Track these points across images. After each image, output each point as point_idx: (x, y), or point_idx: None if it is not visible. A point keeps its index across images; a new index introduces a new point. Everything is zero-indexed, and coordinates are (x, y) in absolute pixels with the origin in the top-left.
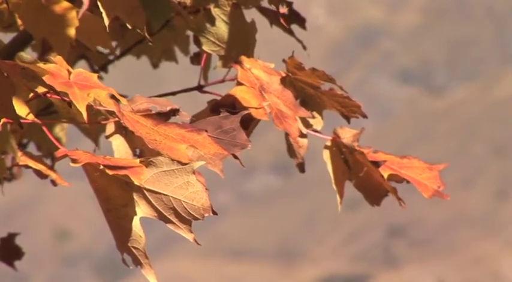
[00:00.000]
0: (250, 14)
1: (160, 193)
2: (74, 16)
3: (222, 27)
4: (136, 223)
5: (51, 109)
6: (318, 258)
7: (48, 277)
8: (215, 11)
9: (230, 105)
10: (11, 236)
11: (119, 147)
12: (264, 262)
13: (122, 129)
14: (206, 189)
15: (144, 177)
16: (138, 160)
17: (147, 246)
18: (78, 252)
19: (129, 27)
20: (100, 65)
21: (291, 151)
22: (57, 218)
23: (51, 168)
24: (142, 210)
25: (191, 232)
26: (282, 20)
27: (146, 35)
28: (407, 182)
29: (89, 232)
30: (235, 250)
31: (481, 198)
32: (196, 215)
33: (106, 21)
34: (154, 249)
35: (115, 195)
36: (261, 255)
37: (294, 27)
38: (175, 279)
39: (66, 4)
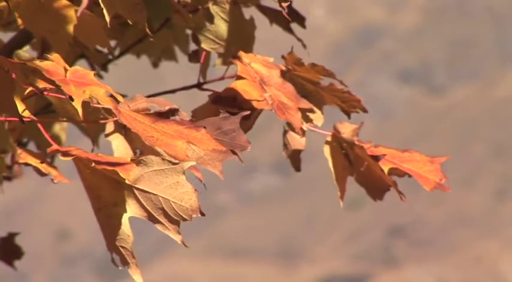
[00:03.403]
0: (250, 13)
1: (150, 192)
2: (72, 14)
3: (220, 25)
4: (125, 222)
5: (50, 108)
6: (318, 257)
7: (48, 276)
8: (213, 9)
9: (231, 97)
10: (11, 236)
11: (119, 147)
12: (265, 262)
13: (121, 129)
14: (195, 190)
15: (133, 174)
16: (129, 158)
17: (149, 245)
18: (78, 251)
19: (131, 23)
20: (100, 64)
21: (287, 150)
22: (57, 218)
23: (51, 165)
24: (132, 209)
25: (179, 233)
26: (284, 13)
27: (148, 31)
28: (409, 175)
29: (89, 232)
30: (235, 250)
31: (481, 198)
32: (184, 216)
33: (107, 18)
34: (154, 249)
35: (106, 194)
36: (261, 255)
37: (294, 27)
38: (174, 278)
39: (65, 2)
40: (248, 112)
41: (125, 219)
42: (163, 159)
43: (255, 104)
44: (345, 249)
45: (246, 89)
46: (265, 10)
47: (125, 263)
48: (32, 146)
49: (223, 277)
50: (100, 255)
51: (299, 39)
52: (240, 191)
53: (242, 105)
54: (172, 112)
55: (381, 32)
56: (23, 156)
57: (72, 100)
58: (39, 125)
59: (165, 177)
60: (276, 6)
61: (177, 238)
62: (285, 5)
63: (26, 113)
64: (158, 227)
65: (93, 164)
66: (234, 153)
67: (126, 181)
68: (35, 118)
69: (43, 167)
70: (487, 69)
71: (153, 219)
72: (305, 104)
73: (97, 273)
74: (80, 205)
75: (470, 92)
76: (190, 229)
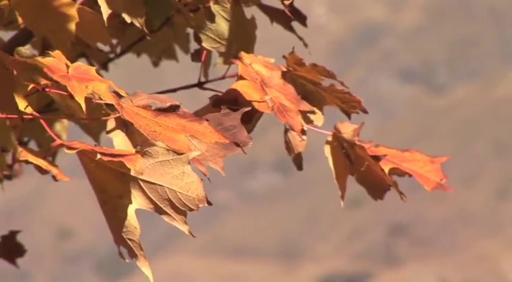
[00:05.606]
0: (251, 12)
1: (155, 184)
2: (74, 12)
3: (222, 24)
4: (131, 215)
5: (52, 107)
6: (319, 256)
7: (50, 275)
8: (215, 8)
9: (232, 99)
10: (13, 234)
11: (120, 144)
12: (266, 260)
13: (123, 126)
14: (201, 179)
15: (138, 165)
16: (134, 149)
17: (149, 243)
18: (80, 250)
19: (128, 21)
20: (100, 63)
21: (289, 148)
22: (59, 216)
23: (52, 163)
24: (137, 201)
25: (186, 224)
26: (286, 11)
27: (145, 29)
28: (409, 175)
29: (91, 230)
30: (236, 248)
31: (482, 197)
32: (191, 206)
33: (105, 15)
34: (155, 247)
35: (111, 187)
36: (262, 254)
37: (295, 26)
38: (176, 276)
39: (66, 0)
40: (249, 108)
41: (131, 211)
42: (168, 150)
43: (256, 105)
44: (346, 248)
45: (247, 91)
46: (266, 9)
47: (133, 255)
48: (32, 145)
49: (224, 275)
50: (102, 254)
51: (300, 38)
52: (241, 189)
53: (243, 107)
54: (174, 108)
55: (382, 31)
56: (24, 155)
57: (72, 98)
58: (41, 121)
59: (171, 167)
60: (277, 5)
61: (184, 228)
62: (287, 2)
63: (28, 110)
64: (165, 218)
65: (99, 156)
66: (237, 145)
67: (132, 173)
68: (37, 114)
69: (44, 165)
70: (488, 68)
71: (159, 210)
72: (306, 106)
73: (98, 271)
74: (81, 204)
75: (471, 91)
76: (191, 227)
